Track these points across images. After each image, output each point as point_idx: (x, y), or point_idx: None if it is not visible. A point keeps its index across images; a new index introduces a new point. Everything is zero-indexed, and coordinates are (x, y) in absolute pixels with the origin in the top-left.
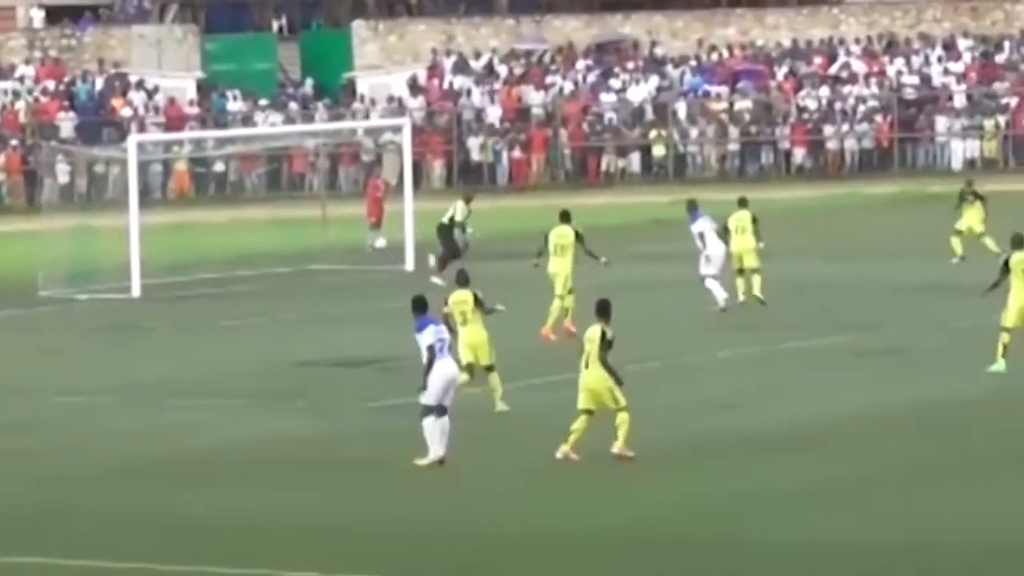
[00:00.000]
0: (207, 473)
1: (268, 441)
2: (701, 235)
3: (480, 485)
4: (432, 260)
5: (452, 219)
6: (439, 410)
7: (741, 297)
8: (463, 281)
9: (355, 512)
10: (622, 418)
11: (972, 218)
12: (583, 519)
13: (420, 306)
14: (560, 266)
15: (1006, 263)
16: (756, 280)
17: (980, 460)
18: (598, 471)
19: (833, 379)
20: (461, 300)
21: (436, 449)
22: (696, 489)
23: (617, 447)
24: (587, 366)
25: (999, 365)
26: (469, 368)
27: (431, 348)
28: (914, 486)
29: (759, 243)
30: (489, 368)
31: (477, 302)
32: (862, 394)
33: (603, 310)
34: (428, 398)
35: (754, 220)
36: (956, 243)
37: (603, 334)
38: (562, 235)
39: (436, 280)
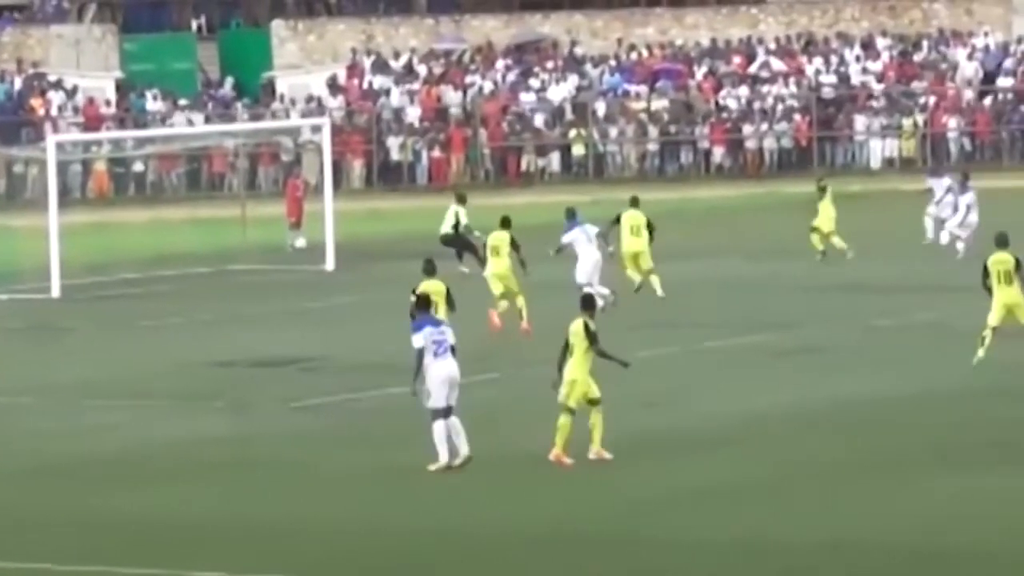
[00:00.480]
0: (125, 474)
1: (186, 441)
2: (571, 245)
3: (400, 483)
4: (464, 268)
5: (456, 225)
6: (445, 412)
7: (636, 283)
8: (431, 271)
9: (272, 512)
10: (596, 418)
11: (824, 216)
12: (497, 518)
13: (423, 304)
14: (497, 267)
15: (985, 267)
16: (655, 280)
17: (899, 458)
18: (515, 470)
19: (752, 378)
20: (434, 291)
21: (444, 454)
22: (617, 487)
23: (594, 450)
24: (570, 358)
25: (979, 355)
26: None
27: (421, 351)
28: (833, 484)
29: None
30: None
31: (448, 296)
32: (781, 393)
33: (587, 303)
34: (434, 401)
35: (649, 225)
36: (816, 240)
37: (586, 326)
38: (498, 238)
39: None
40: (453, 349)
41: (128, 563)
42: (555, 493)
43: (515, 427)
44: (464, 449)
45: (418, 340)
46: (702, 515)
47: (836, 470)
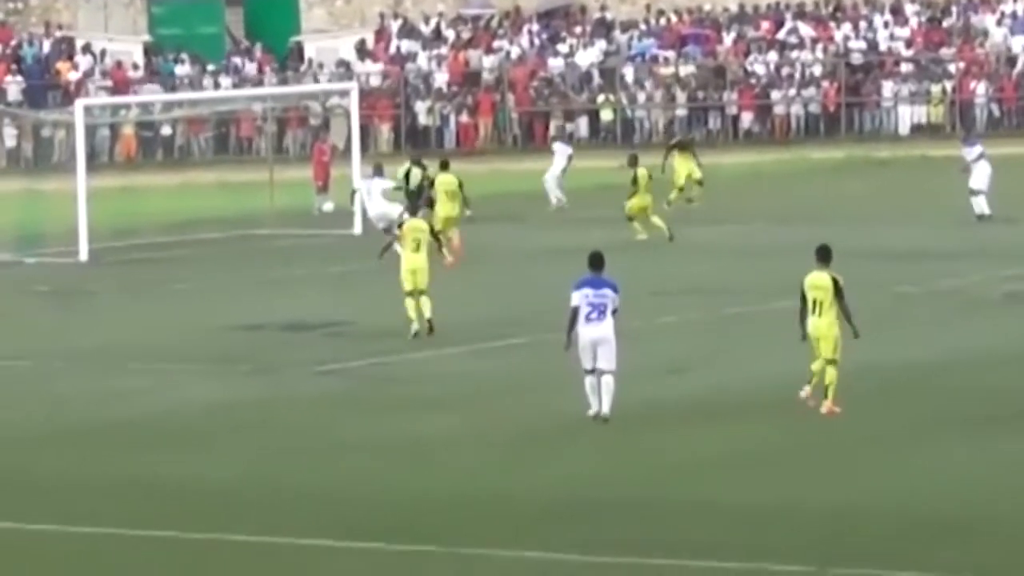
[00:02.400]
0: (152, 437)
1: (213, 405)
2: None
3: (424, 448)
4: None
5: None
6: (593, 372)
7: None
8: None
9: (297, 476)
10: (831, 375)
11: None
12: (521, 484)
13: (594, 263)
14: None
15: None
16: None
17: (927, 424)
18: (542, 436)
19: (778, 343)
20: (447, 183)
21: (593, 403)
22: (643, 453)
23: (826, 405)
24: (819, 314)
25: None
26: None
27: (575, 310)
28: (860, 449)
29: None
30: (422, 292)
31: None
32: (806, 359)
33: (824, 255)
34: (582, 362)
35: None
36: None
37: (835, 281)
38: (447, 182)
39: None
40: (614, 312)
41: (154, 526)
42: (580, 458)
43: (541, 392)
44: (605, 408)
45: (575, 298)
46: (728, 481)
47: (863, 436)
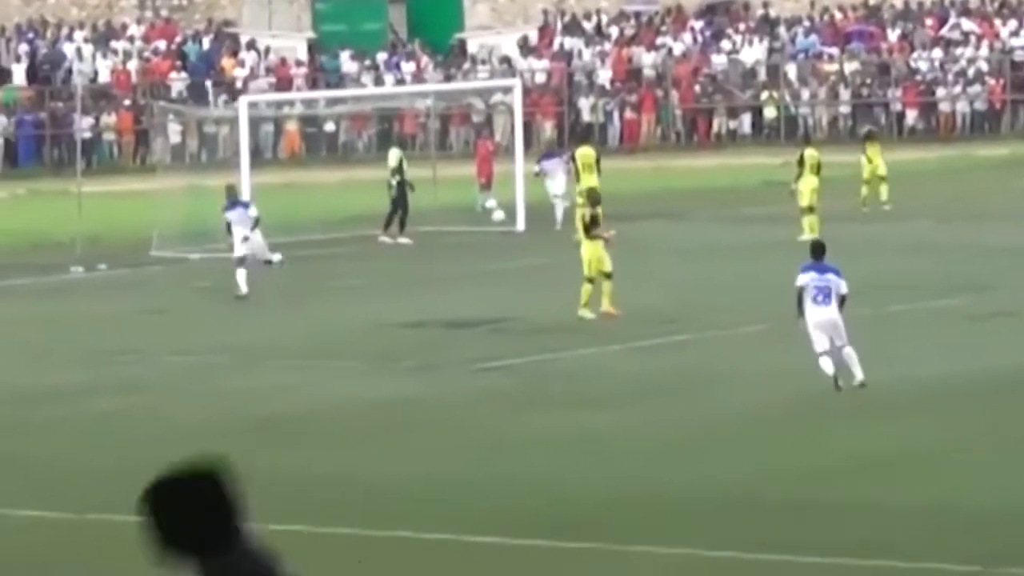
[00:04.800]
0: (314, 433)
1: (376, 402)
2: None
3: (586, 446)
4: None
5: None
6: (827, 353)
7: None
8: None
9: (457, 472)
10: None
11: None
12: (681, 482)
13: (815, 251)
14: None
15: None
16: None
17: None
18: (705, 433)
19: (944, 341)
20: (584, 155)
21: (837, 373)
22: (802, 452)
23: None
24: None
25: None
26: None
27: (800, 291)
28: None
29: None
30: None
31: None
32: (974, 357)
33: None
34: (814, 344)
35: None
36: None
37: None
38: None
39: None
40: (843, 298)
41: (319, 523)
42: (745, 456)
43: (704, 389)
44: (860, 375)
45: (800, 279)
46: (891, 479)
47: None
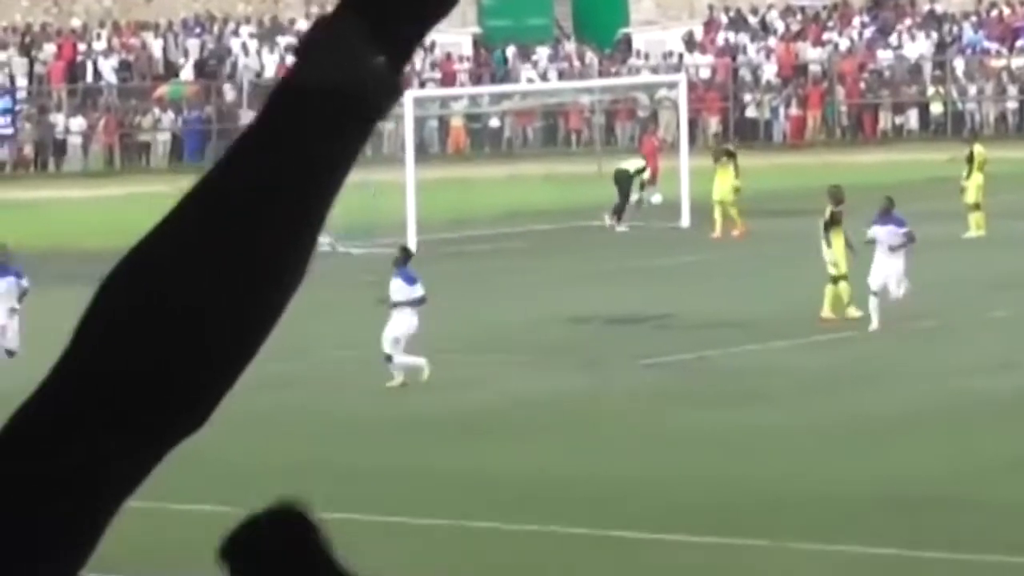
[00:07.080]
0: (479, 428)
1: (541, 397)
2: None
3: (746, 441)
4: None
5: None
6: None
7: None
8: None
9: (619, 468)
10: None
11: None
12: (853, 478)
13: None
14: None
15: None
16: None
17: None
18: (866, 431)
19: None
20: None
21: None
22: (965, 449)
23: None
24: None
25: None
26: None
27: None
28: None
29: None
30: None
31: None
32: None
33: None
34: None
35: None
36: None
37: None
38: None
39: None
40: None
41: (485, 518)
42: (905, 453)
43: (866, 387)
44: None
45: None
46: None
47: None
